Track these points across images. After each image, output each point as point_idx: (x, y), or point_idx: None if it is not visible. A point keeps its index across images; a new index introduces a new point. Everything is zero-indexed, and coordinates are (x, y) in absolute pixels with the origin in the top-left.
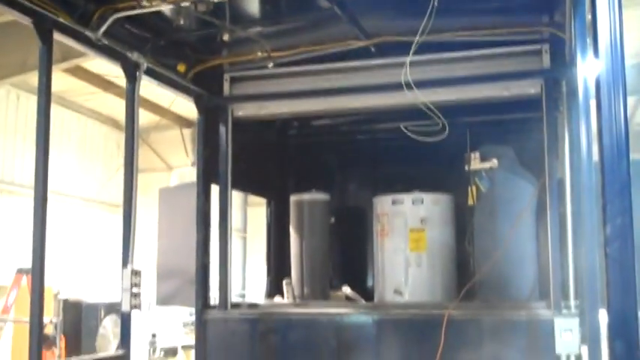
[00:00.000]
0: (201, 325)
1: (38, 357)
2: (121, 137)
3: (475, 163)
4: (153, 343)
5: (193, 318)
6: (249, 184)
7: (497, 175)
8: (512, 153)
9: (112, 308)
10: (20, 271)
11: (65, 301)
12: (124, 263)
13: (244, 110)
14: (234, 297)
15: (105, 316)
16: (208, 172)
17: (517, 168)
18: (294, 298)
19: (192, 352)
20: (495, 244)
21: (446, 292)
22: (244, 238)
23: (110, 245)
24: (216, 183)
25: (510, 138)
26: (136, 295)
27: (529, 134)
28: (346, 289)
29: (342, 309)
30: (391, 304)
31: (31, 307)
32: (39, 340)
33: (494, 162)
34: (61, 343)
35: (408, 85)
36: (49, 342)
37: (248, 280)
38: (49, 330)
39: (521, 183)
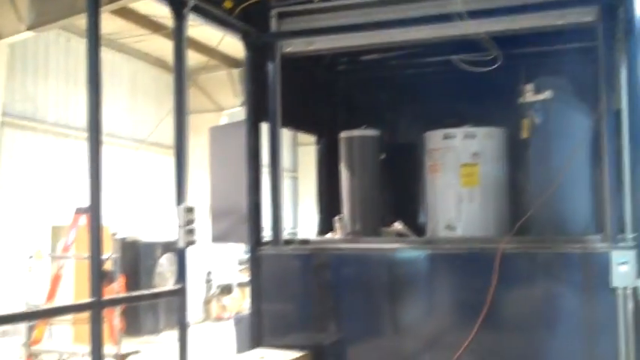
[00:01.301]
0: (255, 262)
1: (99, 291)
2: (170, 79)
3: (529, 95)
4: (208, 281)
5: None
6: (298, 122)
7: (552, 108)
8: (567, 84)
9: (168, 247)
10: (78, 211)
11: (123, 241)
12: (178, 201)
13: (292, 46)
14: (286, 236)
15: (161, 254)
16: (257, 110)
17: (572, 100)
18: (345, 234)
19: (247, 289)
20: (550, 177)
21: (499, 227)
22: (295, 178)
23: (163, 186)
24: (266, 121)
25: (565, 69)
26: (190, 232)
27: (585, 65)
28: (398, 225)
29: (394, 244)
30: (443, 238)
31: (90, 242)
32: (99, 275)
33: (549, 94)
34: (120, 280)
35: (460, 16)
36: (109, 277)
37: (299, 220)
38: (108, 266)
39: (576, 115)
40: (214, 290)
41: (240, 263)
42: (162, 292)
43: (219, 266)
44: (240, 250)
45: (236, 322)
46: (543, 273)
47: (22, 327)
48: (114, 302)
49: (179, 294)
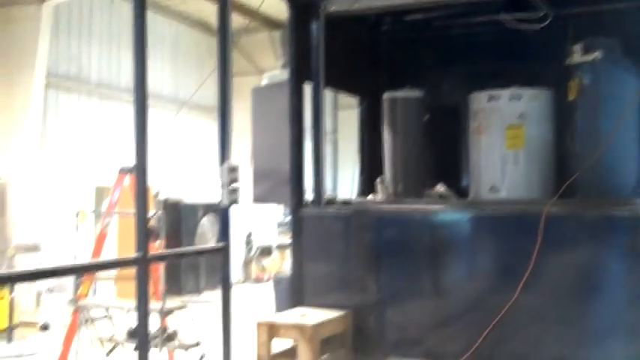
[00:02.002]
0: (296, 222)
1: (145, 247)
2: (211, 41)
3: (577, 55)
4: (248, 242)
5: (287, 219)
6: (341, 83)
7: (601, 69)
8: (617, 45)
9: (210, 208)
10: (122, 171)
11: (165, 202)
12: (222, 160)
13: (336, 5)
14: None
15: (203, 216)
16: (300, 70)
17: (622, 61)
18: (387, 196)
19: (287, 251)
20: (597, 140)
21: (543, 190)
22: (335, 142)
23: (204, 148)
24: (309, 81)
25: (615, 29)
26: (234, 191)
27: (635, 25)
28: (440, 188)
29: (436, 205)
30: (487, 201)
31: (137, 198)
32: (145, 232)
33: (598, 54)
34: (162, 240)
35: None
36: (154, 234)
37: (339, 184)
38: (152, 223)
39: (625, 77)
40: (254, 252)
41: (280, 226)
42: (207, 249)
43: (259, 228)
44: (279, 213)
45: (275, 283)
46: (589, 236)
47: (68, 284)
48: (159, 258)
49: (222, 252)
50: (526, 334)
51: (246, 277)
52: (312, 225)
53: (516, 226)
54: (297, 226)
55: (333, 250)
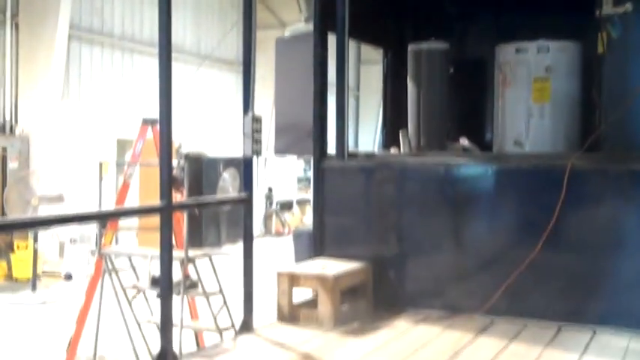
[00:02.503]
0: (318, 174)
1: (169, 196)
2: None
3: (607, 7)
4: (269, 197)
5: (307, 174)
6: (365, 34)
7: (631, 21)
8: None
9: (231, 163)
10: (145, 122)
11: (187, 155)
12: (245, 110)
13: None
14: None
15: (224, 170)
16: (325, 20)
17: None
18: (410, 149)
19: (307, 206)
20: (624, 94)
21: (569, 144)
22: (357, 97)
23: (226, 102)
24: (333, 32)
25: None
26: (257, 141)
27: None
28: (464, 141)
29: (459, 159)
30: (511, 154)
31: (160, 147)
32: (169, 180)
33: (629, 6)
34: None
35: None
36: (177, 183)
37: (360, 141)
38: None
39: None
40: (274, 206)
41: (300, 181)
42: (230, 199)
43: (280, 183)
44: (299, 169)
45: (295, 237)
46: (613, 190)
47: (91, 235)
48: (182, 207)
49: (245, 202)
50: (546, 288)
51: (267, 231)
52: (334, 177)
53: (540, 179)
54: (319, 178)
55: (355, 203)
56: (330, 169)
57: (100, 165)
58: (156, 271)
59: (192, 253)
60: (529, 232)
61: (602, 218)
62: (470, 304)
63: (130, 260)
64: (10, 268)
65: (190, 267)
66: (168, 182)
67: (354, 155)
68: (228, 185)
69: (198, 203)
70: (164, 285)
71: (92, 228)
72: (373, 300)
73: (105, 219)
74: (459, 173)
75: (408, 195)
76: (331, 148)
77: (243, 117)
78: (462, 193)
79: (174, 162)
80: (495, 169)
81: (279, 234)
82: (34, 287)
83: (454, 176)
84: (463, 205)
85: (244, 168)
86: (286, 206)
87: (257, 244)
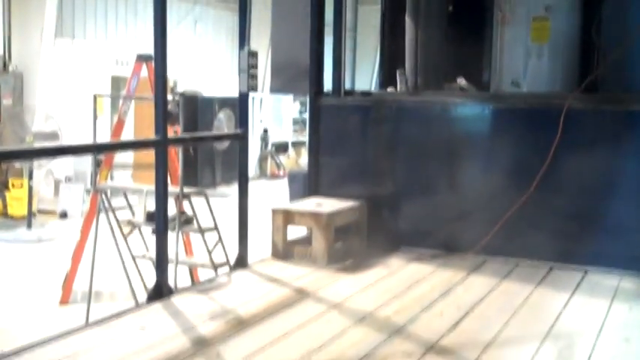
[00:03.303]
0: (314, 112)
1: (164, 130)
2: None
3: None
4: (264, 139)
5: (303, 116)
6: None
7: None
8: None
9: (227, 103)
10: (140, 59)
11: (182, 94)
12: (241, 45)
13: None
14: None
15: (219, 110)
16: None
17: None
18: (407, 88)
19: (302, 149)
20: (623, 35)
21: (566, 85)
22: (354, 38)
23: (221, 42)
24: None
25: None
26: (252, 77)
27: None
28: (461, 81)
29: (456, 98)
30: (508, 94)
31: (156, 81)
32: (164, 115)
33: None
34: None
35: None
36: (172, 118)
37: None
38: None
39: None
40: (270, 148)
41: (295, 123)
42: (225, 135)
43: (275, 125)
44: (295, 110)
45: (290, 179)
46: (610, 132)
47: (86, 174)
48: (177, 141)
49: (240, 138)
50: (539, 229)
51: (262, 173)
52: (330, 115)
53: (536, 120)
54: (315, 116)
55: (350, 141)
56: (326, 106)
57: (95, 98)
58: (151, 207)
59: (187, 189)
60: (524, 173)
61: (598, 160)
62: (463, 244)
63: (125, 196)
64: (5, 205)
65: (186, 204)
66: (163, 116)
67: (350, 93)
68: (224, 125)
69: (194, 138)
70: (159, 220)
71: (87, 166)
72: (367, 239)
73: (99, 151)
74: (456, 112)
75: (404, 134)
76: (328, 88)
77: (239, 52)
78: (457, 133)
79: (169, 97)
80: (492, 108)
81: (274, 176)
82: (29, 225)
83: (450, 115)
84: (459, 145)
85: (240, 104)
86: (281, 148)
87: (252, 186)
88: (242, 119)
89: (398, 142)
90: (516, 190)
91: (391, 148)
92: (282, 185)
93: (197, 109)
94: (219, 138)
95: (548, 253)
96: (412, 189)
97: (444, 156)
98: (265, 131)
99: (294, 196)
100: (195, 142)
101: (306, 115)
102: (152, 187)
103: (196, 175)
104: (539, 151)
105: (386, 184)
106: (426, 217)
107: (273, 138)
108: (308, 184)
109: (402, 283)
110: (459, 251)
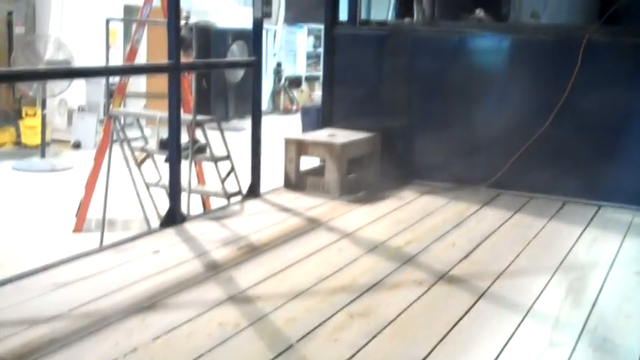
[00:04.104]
0: (329, 42)
1: (177, 55)
2: None
3: None
4: (278, 72)
5: (317, 50)
6: None
7: None
8: None
9: (240, 35)
10: None
11: (195, 26)
12: None
13: None
14: None
15: (232, 42)
16: None
17: None
18: (424, 18)
19: (315, 84)
20: None
21: (587, 17)
22: None
23: None
24: None
25: None
26: (267, 3)
27: None
28: (479, 12)
29: (474, 29)
30: (526, 25)
31: (169, 5)
32: (177, 40)
33: None
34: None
35: None
36: (185, 44)
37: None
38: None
39: None
40: (283, 82)
41: (309, 58)
42: (238, 62)
43: (289, 59)
44: (309, 45)
45: (303, 113)
46: (629, 65)
47: (99, 105)
48: (190, 67)
49: (254, 65)
50: (553, 164)
51: (275, 108)
52: (345, 45)
53: (554, 52)
54: (330, 45)
55: (365, 72)
56: (341, 36)
57: (107, 22)
58: (164, 134)
59: (200, 117)
60: (540, 107)
61: (616, 94)
62: (477, 178)
63: (139, 123)
64: (18, 134)
65: (199, 134)
66: (176, 41)
67: (366, 23)
68: (237, 58)
69: (207, 64)
70: (172, 147)
71: (100, 97)
72: (380, 171)
73: (113, 74)
74: (473, 44)
75: (420, 65)
76: (343, 17)
77: None
78: (474, 65)
79: (182, 22)
80: (510, 40)
81: (287, 111)
82: (43, 154)
83: (468, 47)
84: (475, 77)
85: (254, 30)
86: (295, 83)
87: (265, 120)
88: (256, 46)
89: (413, 73)
90: (532, 124)
91: (406, 80)
92: (295, 120)
93: (210, 40)
94: (233, 65)
95: (562, 189)
96: (427, 122)
97: (459, 88)
98: (279, 65)
99: (307, 130)
100: (208, 68)
101: (320, 50)
102: (165, 114)
103: (209, 108)
104: (556, 85)
105: (400, 117)
106: (440, 150)
107: (287, 72)
108: (321, 116)
109: (414, 214)
110: (473, 185)
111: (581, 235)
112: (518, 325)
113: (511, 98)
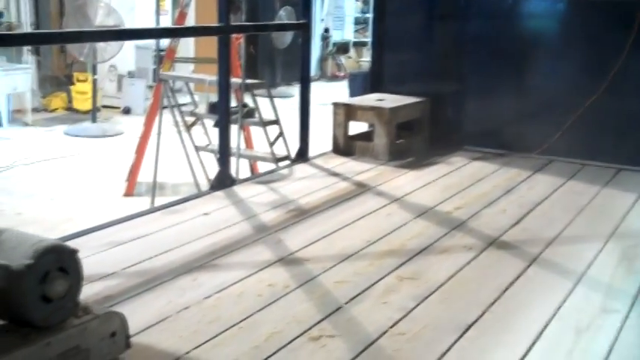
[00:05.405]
0: (379, 5)
1: (227, 18)
2: None
3: None
4: (325, 38)
5: (366, 15)
6: None
7: None
8: None
9: (288, 1)
10: None
11: None
12: None
13: None
14: None
15: (280, 7)
16: None
17: None
18: None
19: (363, 50)
20: None
21: None
22: None
23: None
24: None
25: None
26: None
27: None
28: None
29: None
30: None
31: None
32: (227, 2)
33: None
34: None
35: None
36: (235, 7)
37: None
38: None
39: None
40: (331, 48)
41: (357, 23)
42: (288, 24)
43: (336, 25)
44: (357, 10)
45: (351, 79)
46: None
47: (148, 71)
48: (240, 29)
49: (304, 28)
50: (607, 131)
51: (322, 75)
52: (396, 8)
53: (611, 16)
54: (380, 9)
55: (416, 36)
56: None
57: None
58: (213, 98)
59: (249, 81)
60: (594, 72)
61: None
62: (528, 145)
63: (188, 87)
64: (70, 100)
65: (248, 99)
66: (226, 4)
67: None
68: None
69: (257, 26)
70: (221, 110)
71: (149, 63)
72: (430, 137)
73: (163, 35)
74: (527, 7)
75: (472, 29)
76: None
77: None
78: (528, 29)
79: None
80: (566, 3)
81: (334, 77)
82: (93, 119)
83: (521, 10)
84: (528, 42)
85: None
86: (342, 49)
87: (312, 87)
88: (305, 9)
89: (465, 37)
90: (586, 90)
91: (458, 44)
92: (343, 87)
93: (258, 6)
94: (283, 27)
95: (617, 156)
96: (478, 87)
97: (512, 52)
98: (326, 31)
99: (355, 96)
100: (257, 31)
101: (369, 15)
102: (214, 77)
103: (257, 75)
104: (612, 50)
105: (451, 82)
106: (490, 116)
107: (334, 38)
108: (370, 80)
109: (464, 180)
110: (523, 152)
111: (635, 202)
112: (570, 292)
113: (565, 63)
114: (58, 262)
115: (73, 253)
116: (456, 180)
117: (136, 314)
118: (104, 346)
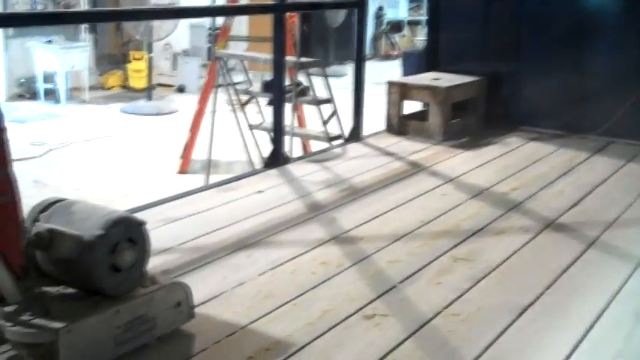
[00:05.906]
0: None
1: None
2: None
3: None
4: (379, 17)
5: None
6: None
7: None
8: None
9: None
10: None
11: None
12: None
13: None
14: None
15: None
16: None
17: None
18: None
19: (417, 28)
20: None
21: None
22: None
23: None
24: None
25: None
26: None
27: None
28: None
29: None
30: None
31: None
32: None
33: None
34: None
35: None
36: None
37: None
38: None
39: None
40: (384, 27)
41: (412, 1)
42: (344, 2)
43: (390, 3)
44: None
45: (405, 58)
46: None
47: (202, 50)
48: (295, 7)
49: (359, 5)
50: None
51: (375, 53)
52: None
53: None
54: None
55: (472, 15)
56: None
57: None
58: (267, 77)
59: (303, 60)
60: None
61: None
62: (586, 126)
63: (243, 65)
64: (126, 78)
65: (302, 77)
66: None
67: None
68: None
69: (312, 4)
70: (276, 86)
71: (203, 42)
72: (485, 116)
73: (218, 14)
74: None
75: (529, 8)
76: None
77: None
78: (586, 8)
79: None
80: None
81: (388, 56)
82: (149, 97)
83: None
84: (587, 21)
85: None
86: (396, 27)
87: (365, 65)
88: None
89: (523, 15)
90: None
91: (515, 22)
92: (396, 66)
93: None
94: (338, 5)
95: None
96: (535, 66)
97: (570, 33)
98: (380, 9)
99: (408, 75)
100: (312, 9)
101: None
102: (269, 56)
103: (310, 54)
104: None
105: (508, 61)
106: (548, 96)
107: (388, 17)
108: (426, 59)
109: (520, 161)
110: (582, 133)
111: None
112: (630, 276)
113: (626, 40)
114: (127, 233)
115: (141, 224)
116: (512, 161)
117: (193, 289)
118: (169, 315)
